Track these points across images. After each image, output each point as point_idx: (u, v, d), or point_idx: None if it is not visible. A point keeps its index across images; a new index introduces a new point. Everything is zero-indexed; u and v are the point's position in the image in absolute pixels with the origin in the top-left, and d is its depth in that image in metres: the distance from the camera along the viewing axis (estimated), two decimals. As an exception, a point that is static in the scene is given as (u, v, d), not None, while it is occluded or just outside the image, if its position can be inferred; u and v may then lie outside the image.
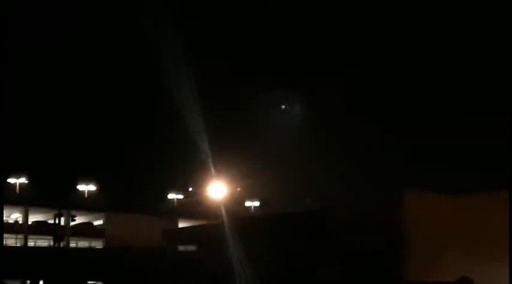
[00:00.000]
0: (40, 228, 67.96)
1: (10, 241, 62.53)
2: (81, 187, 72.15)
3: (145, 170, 66.76)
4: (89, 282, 47.01)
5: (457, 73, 47.52)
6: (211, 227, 52.62)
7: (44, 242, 65.30)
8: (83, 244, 69.18)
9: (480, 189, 33.07)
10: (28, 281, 47.61)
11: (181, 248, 55.07)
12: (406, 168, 40.10)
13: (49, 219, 67.88)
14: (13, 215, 69.91)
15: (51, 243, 61.50)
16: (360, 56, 51.23)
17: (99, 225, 71.80)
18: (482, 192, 32.91)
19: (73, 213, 67.29)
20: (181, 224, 70.15)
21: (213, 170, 43.67)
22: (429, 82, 48.39)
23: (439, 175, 38.29)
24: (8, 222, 65.75)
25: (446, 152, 41.65)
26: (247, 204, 75.07)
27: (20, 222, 69.37)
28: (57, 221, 62.98)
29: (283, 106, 56.71)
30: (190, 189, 75.19)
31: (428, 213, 32.00)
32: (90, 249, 65.69)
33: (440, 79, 48.40)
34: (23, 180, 69.40)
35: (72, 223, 68.60)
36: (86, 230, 70.64)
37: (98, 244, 68.59)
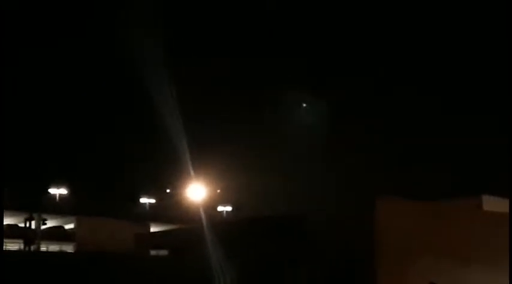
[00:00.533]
0: (11, 232, 67.16)
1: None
2: (53, 190, 71.56)
3: (118, 173, 66.37)
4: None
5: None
6: (184, 232, 52.42)
7: (14, 245, 64.56)
8: (53, 247, 68.57)
9: (451, 195, 33.49)
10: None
11: (153, 252, 54.73)
12: (378, 174, 40.27)
13: (20, 223, 67.13)
14: (-18, 219, 69.03)
15: (22, 247, 60.87)
16: (350, 59, 51.13)
17: (71, 229, 71.25)
18: (453, 198, 33.29)
19: (44, 216, 66.68)
20: (154, 228, 69.82)
21: (191, 172, 43.48)
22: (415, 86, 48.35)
23: (411, 181, 38.63)
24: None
25: (418, 158, 41.97)
26: (220, 208, 74.94)
27: (-10, 225, 68.59)
28: (27, 225, 62.34)
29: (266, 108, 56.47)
30: (168, 191, 74.61)
31: (400, 220, 32.10)
32: (61, 253, 65.05)
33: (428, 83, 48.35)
34: (-7, 183, 68.63)
35: (43, 227, 67.93)
36: (57, 233, 70.10)
37: (68, 248, 68.02)
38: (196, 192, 53.71)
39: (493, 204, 33.64)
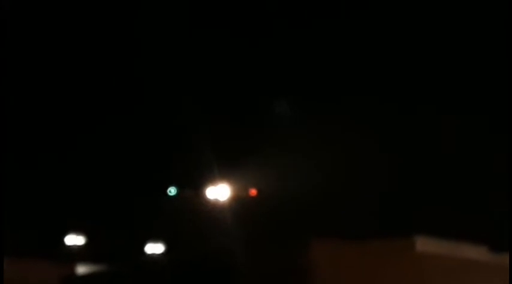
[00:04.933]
0: None
1: None
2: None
3: (42, 208, 64.00)
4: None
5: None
6: (113, 274, 50.94)
7: None
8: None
9: (384, 235, 33.39)
10: None
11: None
12: (313, 214, 40.13)
13: None
14: None
15: None
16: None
17: (-7, 270, 68.38)
18: (386, 238, 33.21)
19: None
20: (81, 270, 67.56)
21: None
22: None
23: (346, 220, 38.49)
24: None
25: (352, 197, 41.83)
26: (149, 248, 73.06)
27: None
28: None
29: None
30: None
31: (335, 260, 31.97)
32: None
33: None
34: None
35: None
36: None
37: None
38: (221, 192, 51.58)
39: (428, 244, 33.45)
